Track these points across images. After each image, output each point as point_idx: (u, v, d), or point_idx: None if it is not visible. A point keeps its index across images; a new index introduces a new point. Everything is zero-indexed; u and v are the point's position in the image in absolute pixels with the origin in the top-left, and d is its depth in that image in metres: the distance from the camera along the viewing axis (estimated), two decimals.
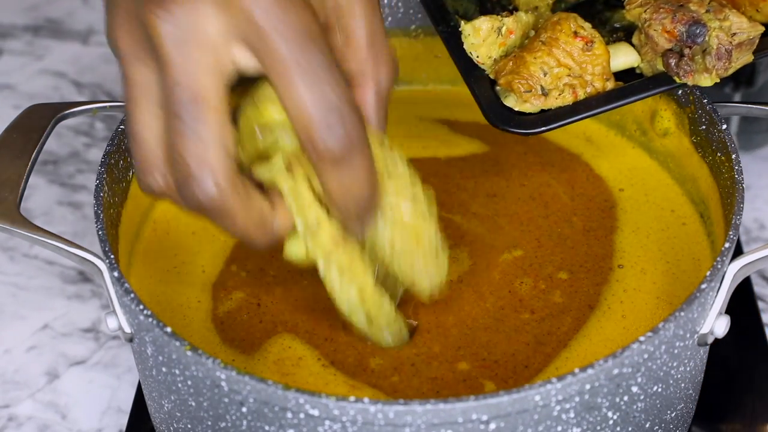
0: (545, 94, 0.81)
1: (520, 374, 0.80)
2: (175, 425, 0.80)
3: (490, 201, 0.92)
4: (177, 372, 0.75)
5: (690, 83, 0.81)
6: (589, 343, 0.81)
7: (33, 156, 0.86)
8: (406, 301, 0.82)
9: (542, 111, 0.83)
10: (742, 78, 1.07)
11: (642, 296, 0.84)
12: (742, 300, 0.98)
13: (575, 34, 0.82)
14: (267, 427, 0.72)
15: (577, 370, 0.69)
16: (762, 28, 0.81)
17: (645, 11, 0.82)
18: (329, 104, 0.65)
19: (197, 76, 0.65)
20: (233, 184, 0.67)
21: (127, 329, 0.79)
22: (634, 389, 0.74)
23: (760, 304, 1.01)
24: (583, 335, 0.82)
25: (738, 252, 0.99)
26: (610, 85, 0.83)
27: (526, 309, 0.84)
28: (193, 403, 0.75)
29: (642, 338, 0.71)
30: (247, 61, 0.66)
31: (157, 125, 0.68)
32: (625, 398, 0.74)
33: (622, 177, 0.93)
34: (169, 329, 0.73)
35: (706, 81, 0.81)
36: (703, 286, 0.74)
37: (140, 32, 0.66)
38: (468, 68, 0.86)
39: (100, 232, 0.79)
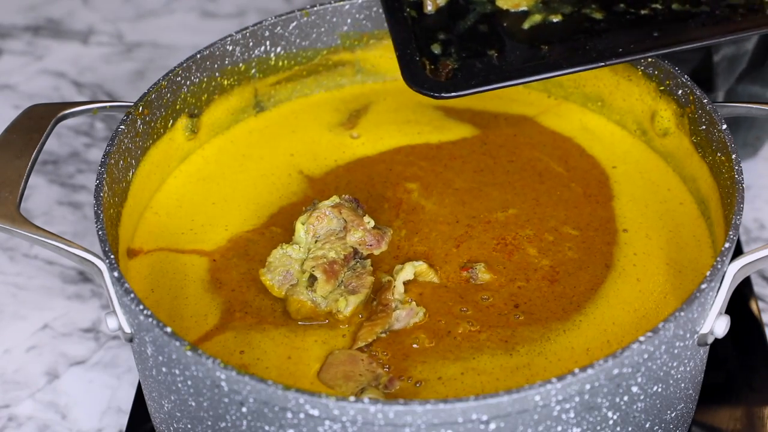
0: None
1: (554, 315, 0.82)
2: (175, 425, 0.80)
3: (476, 175, 0.93)
4: (177, 372, 0.75)
5: None
6: (607, 306, 0.82)
7: (33, 156, 0.86)
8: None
9: (458, 75, 0.88)
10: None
11: (653, 260, 0.85)
12: (742, 300, 0.98)
13: None
14: (267, 427, 0.72)
15: (577, 371, 0.69)
16: None
17: None
18: None
19: None
20: None
21: (127, 329, 0.79)
22: (634, 389, 0.74)
23: (760, 304, 1.01)
24: (601, 296, 0.83)
25: (738, 252, 0.99)
26: None
27: (539, 257, 0.85)
28: (193, 403, 0.75)
29: (642, 338, 0.71)
30: None
31: None
32: (625, 398, 0.74)
33: (615, 157, 0.94)
34: (169, 329, 0.73)
35: None
36: (703, 286, 0.74)
37: None
38: (399, 32, 0.92)
39: (100, 232, 0.79)
